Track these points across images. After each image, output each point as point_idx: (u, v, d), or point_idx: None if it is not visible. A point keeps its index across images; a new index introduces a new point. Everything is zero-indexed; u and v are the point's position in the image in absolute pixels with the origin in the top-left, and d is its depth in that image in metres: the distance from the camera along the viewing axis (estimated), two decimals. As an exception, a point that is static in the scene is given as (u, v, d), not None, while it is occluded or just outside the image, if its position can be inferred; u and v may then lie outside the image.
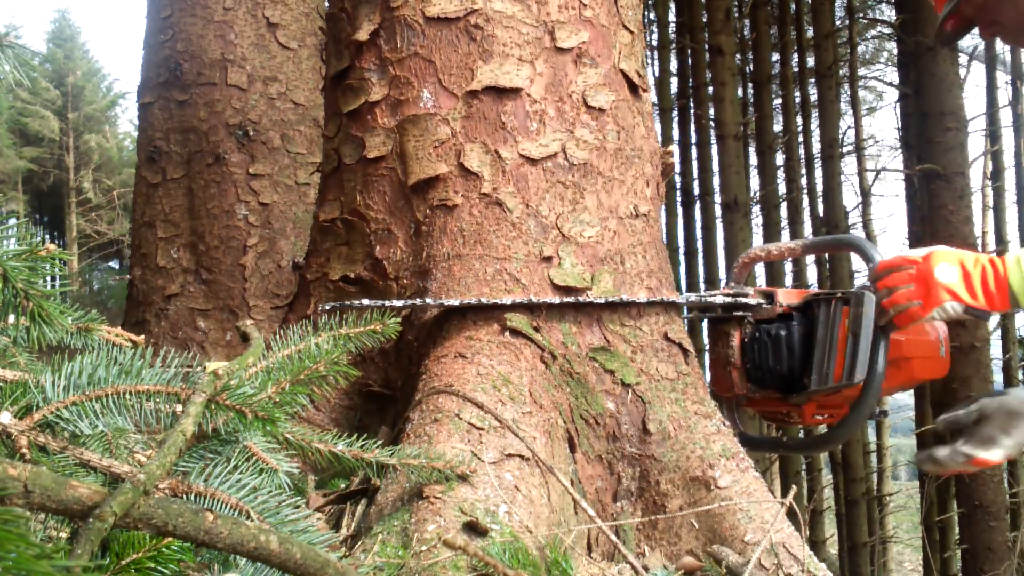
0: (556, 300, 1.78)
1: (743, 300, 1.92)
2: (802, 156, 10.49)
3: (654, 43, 10.02)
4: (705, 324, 2.13)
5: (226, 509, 0.93)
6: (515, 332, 1.77)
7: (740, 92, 10.36)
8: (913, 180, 7.08)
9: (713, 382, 2.05)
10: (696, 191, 10.34)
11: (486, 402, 1.61)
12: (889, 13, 11.67)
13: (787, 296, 1.94)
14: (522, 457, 1.55)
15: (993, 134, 10.34)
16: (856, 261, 8.11)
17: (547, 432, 1.67)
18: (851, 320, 1.76)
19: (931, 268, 1.62)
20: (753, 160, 11.46)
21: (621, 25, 2.05)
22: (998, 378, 8.72)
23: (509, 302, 1.76)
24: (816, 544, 8.91)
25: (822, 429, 2.12)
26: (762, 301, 1.92)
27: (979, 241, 9.31)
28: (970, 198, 6.70)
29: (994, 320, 8.77)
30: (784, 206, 9.95)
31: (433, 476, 1.39)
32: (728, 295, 1.95)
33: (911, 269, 1.66)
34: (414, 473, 1.37)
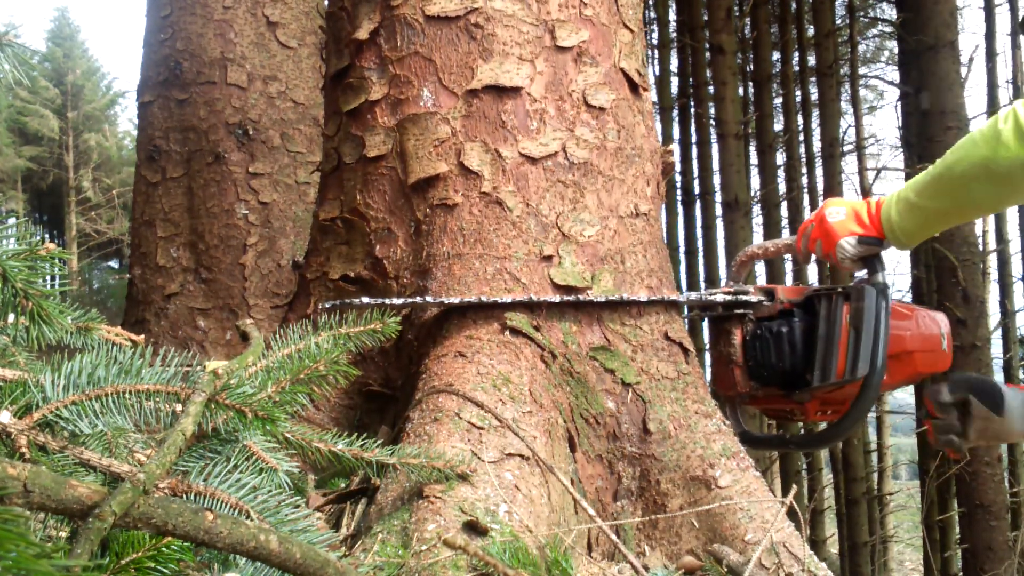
0: (556, 299, 1.78)
1: (744, 298, 1.92)
2: (803, 155, 10.48)
3: (654, 42, 10.01)
4: (706, 323, 2.12)
5: (226, 508, 0.92)
6: (515, 331, 1.76)
7: (741, 91, 10.35)
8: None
9: (715, 380, 2.05)
10: (697, 190, 10.34)
11: (486, 401, 1.61)
12: (890, 12, 11.67)
13: (788, 293, 1.93)
14: (522, 456, 1.55)
15: (993, 133, 10.31)
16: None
17: (547, 431, 1.67)
18: (852, 315, 1.76)
19: (823, 213, 1.74)
20: (754, 159, 11.46)
21: (621, 24, 2.04)
22: (999, 377, 8.72)
23: (509, 301, 1.76)
24: (816, 543, 8.91)
25: (823, 425, 2.12)
26: (763, 298, 1.92)
27: (980, 239, 9.31)
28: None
29: (994, 319, 8.77)
30: (785, 205, 9.95)
31: (433, 475, 1.39)
32: (728, 293, 1.94)
33: (814, 223, 1.79)
34: (414, 472, 1.37)
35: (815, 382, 1.82)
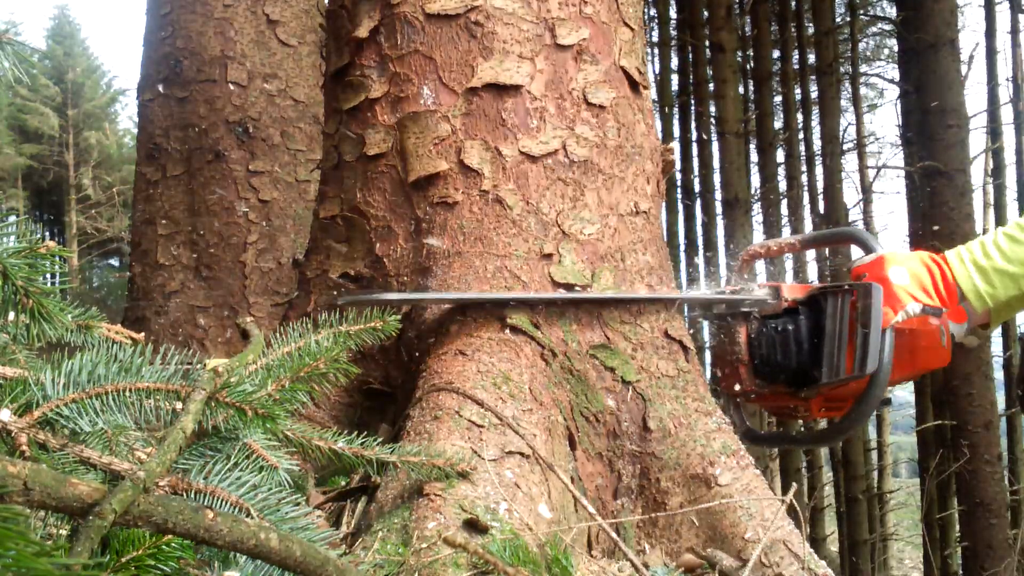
0: (557, 297, 1.78)
1: (748, 296, 1.92)
2: (803, 153, 10.49)
3: (655, 40, 10.01)
4: (706, 322, 2.12)
5: (226, 506, 0.92)
6: (515, 329, 1.76)
7: (741, 89, 10.35)
8: (914, 177, 7.07)
9: (719, 379, 2.04)
10: (697, 188, 10.35)
11: (486, 399, 1.61)
12: (890, 10, 11.66)
13: (792, 290, 1.93)
14: (522, 455, 1.55)
15: (994, 131, 10.34)
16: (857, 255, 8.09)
17: (547, 430, 1.67)
18: (860, 312, 1.76)
19: (885, 273, 1.71)
20: (754, 157, 11.46)
21: (622, 22, 2.04)
22: (998, 375, 8.72)
23: (510, 299, 1.76)
24: (816, 541, 8.92)
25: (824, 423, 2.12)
26: (767, 296, 1.91)
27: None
28: (971, 195, 6.69)
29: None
30: (785, 203, 9.96)
31: (433, 473, 1.39)
32: (732, 291, 1.94)
33: (867, 275, 1.76)
34: (414, 470, 1.37)
35: (824, 379, 1.81)
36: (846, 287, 1.82)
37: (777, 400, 1.98)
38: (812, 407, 1.90)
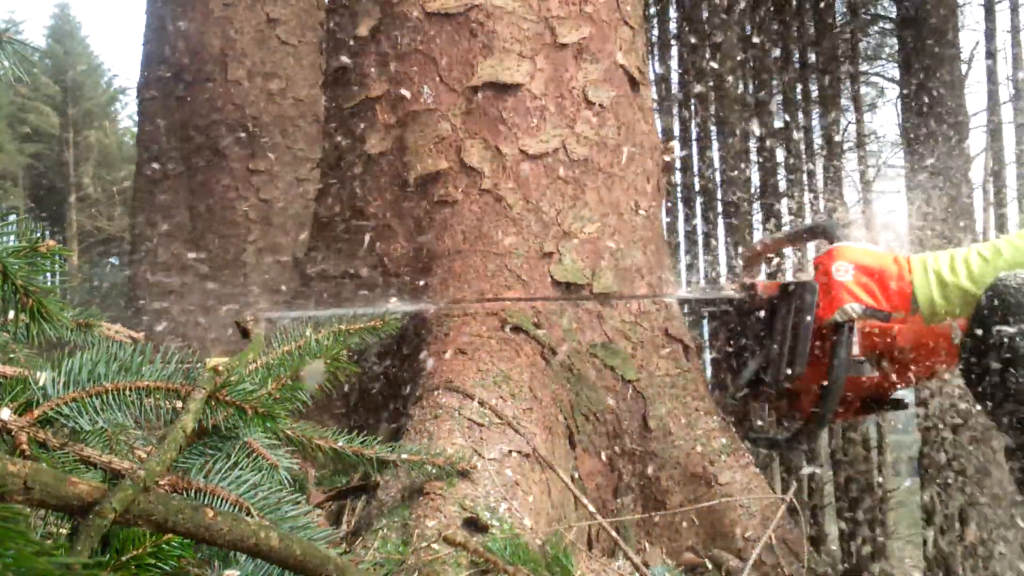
0: (557, 296, 1.78)
1: (730, 294, 1.92)
2: (803, 152, 10.48)
3: (655, 38, 10.01)
4: (704, 321, 2.12)
5: (226, 505, 0.92)
6: (516, 328, 1.76)
7: (741, 87, 10.35)
8: (914, 176, 7.07)
9: (713, 377, 2.04)
10: (697, 186, 10.34)
11: (487, 398, 1.61)
12: (891, 9, 11.65)
13: (765, 288, 1.91)
14: (523, 453, 1.55)
15: (994, 131, 10.34)
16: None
17: (547, 428, 1.67)
18: (797, 311, 1.70)
19: (829, 267, 1.59)
20: (754, 156, 11.46)
21: (622, 20, 2.04)
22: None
23: (510, 298, 1.76)
24: (817, 540, 8.93)
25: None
26: (746, 294, 1.91)
27: (980, 237, 9.31)
28: (971, 195, 6.70)
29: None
30: (785, 202, 9.95)
31: (434, 472, 1.39)
32: (720, 290, 1.94)
33: (819, 268, 1.65)
34: (415, 469, 1.37)
35: (769, 379, 1.77)
36: (794, 284, 1.76)
37: (766, 399, 1.97)
38: (797, 406, 1.86)
